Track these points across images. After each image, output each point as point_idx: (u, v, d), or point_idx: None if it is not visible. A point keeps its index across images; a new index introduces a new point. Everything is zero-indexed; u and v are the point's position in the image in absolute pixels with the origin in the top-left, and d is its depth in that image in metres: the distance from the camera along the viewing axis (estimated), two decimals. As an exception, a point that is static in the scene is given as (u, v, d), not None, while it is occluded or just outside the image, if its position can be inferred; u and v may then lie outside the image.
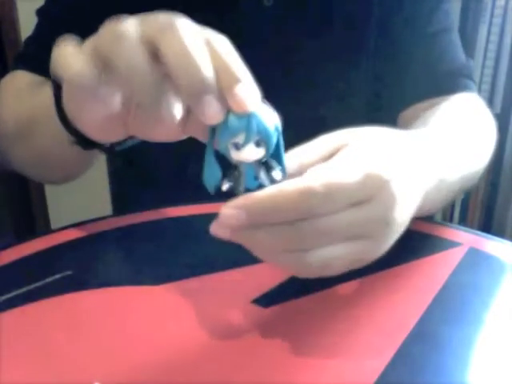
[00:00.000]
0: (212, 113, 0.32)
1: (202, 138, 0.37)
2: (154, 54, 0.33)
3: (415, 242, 0.52)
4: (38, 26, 0.69)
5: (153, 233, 0.53)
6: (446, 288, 0.44)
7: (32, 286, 0.44)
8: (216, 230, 0.34)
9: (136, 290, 0.44)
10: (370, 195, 0.35)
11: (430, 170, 0.44)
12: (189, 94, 0.33)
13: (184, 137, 0.40)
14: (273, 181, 0.34)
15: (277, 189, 0.33)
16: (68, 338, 0.39)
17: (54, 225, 1.60)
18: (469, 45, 1.48)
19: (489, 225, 1.60)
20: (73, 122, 0.43)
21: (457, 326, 0.40)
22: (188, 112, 0.38)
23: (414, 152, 0.42)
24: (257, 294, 0.42)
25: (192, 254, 0.49)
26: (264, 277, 0.44)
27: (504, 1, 1.44)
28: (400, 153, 0.39)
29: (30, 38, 0.70)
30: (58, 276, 0.45)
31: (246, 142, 0.32)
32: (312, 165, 0.36)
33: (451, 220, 1.59)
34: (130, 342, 0.38)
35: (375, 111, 0.72)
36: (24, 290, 0.43)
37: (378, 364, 0.35)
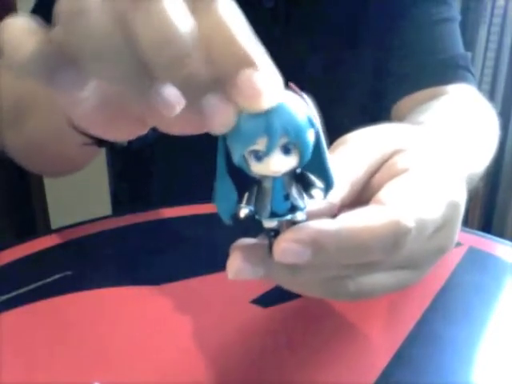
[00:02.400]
0: (218, 121, 0.22)
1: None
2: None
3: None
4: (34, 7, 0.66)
5: (153, 233, 0.53)
6: (446, 288, 0.44)
7: (32, 286, 0.44)
8: (243, 268, 0.26)
9: (136, 290, 0.44)
10: (444, 225, 0.29)
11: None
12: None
13: None
14: (311, 200, 0.24)
15: (359, 222, 0.25)
16: (68, 337, 0.39)
17: (54, 225, 1.61)
18: (469, 45, 1.48)
19: (489, 225, 1.60)
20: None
21: (457, 326, 0.40)
22: None
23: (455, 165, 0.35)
24: (256, 294, 0.42)
25: (192, 254, 0.49)
26: (264, 277, 0.44)
27: (504, 1, 1.44)
28: (453, 170, 0.33)
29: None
30: (57, 276, 0.45)
31: (270, 149, 0.22)
32: (360, 182, 0.30)
33: (451, 220, 1.59)
34: (130, 342, 0.38)
35: (372, 101, 0.72)
36: (24, 290, 0.43)
37: (378, 364, 0.35)
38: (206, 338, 0.35)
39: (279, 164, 0.23)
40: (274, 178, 0.24)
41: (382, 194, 0.27)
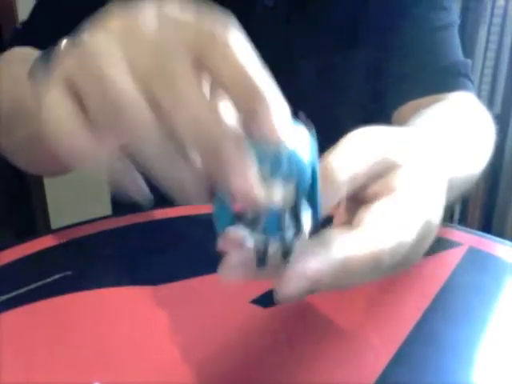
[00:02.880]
0: (240, 172, 0.24)
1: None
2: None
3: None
4: (32, 14, 0.66)
5: (153, 233, 0.53)
6: (446, 288, 0.44)
7: (32, 286, 0.44)
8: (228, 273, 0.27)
9: (136, 290, 0.44)
10: (416, 244, 0.32)
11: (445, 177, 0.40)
12: (205, 151, 0.25)
13: None
14: (298, 231, 0.26)
15: (345, 254, 0.28)
16: (68, 337, 0.39)
17: (54, 225, 1.61)
18: (469, 45, 1.48)
19: (489, 225, 1.60)
20: None
21: (457, 326, 0.40)
22: None
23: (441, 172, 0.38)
24: (256, 294, 0.42)
25: (192, 253, 0.49)
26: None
27: (504, 1, 1.44)
28: (436, 187, 0.35)
29: (22, 24, 0.67)
30: (57, 276, 0.45)
31: (272, 175, 0.24)
32: (360, 181, 0.31)
33: (451, 220, 1.59)
34: (130, 342, 0.38)
35: (372, 101, 0.72)
36: (24, 289, 0.43)
37: (378, 364, 0.35)
38: (206, 337, 0.35)
39: (277, 195, 0.24)
40: (270, 208, 0.24)
41: (367, 218, 0.30)
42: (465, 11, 1.47)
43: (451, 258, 0.48)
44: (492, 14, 1.46)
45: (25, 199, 1.61)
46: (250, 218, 0.26)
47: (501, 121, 1.48)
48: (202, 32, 0.25)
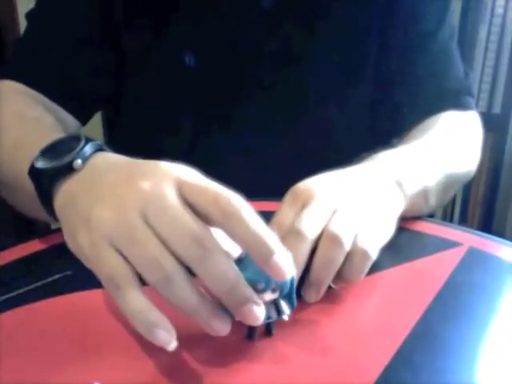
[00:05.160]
0: (254, 318, 0.35)
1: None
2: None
3: (415, 242, 0.52)
4: (28, 30, 0.67)
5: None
6: (446, 288, 0.44)
7: (32, 286, 0.44)
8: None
9: (136, 290, 0.44)
10: None
11: (406, 179, 0.50)
12: (232, 305, 0.34)
13: None
14: (280, 317, 0.37)
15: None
16: (68, 337, 0.39)
17: (54, 225, 1.60)
18: (469, 45, 1.48)
19: (489, 225, 1.60)
20: None
21: (457, 326, 0.40)
22: None
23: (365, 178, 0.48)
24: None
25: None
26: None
27: (504, 1, 1.44)
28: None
29: (19, 42, 0.68)
30: (57, 276, 0.45)
31: (264, 290, 0.35)
32: None
33: (451, 220, 1.59)
34: (130, 342, 0.38)
35: (376, 130, 0.72)
36: (24, 289, 0.43)
37: (378, 364, 0.35)
38: (206, 337, 0.35)
39: (267, 297, 0.36)
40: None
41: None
42: (465, 11, 1.47)
43: (451, 258, 0.48)
44: (492, 14, 1.46)
45: (25, 199, 1.60)
46: None
47: (501, 121, 1.48)
48: (224, 211, 0.34)
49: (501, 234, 1.58)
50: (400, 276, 0.46)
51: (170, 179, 0.36)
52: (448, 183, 0.58)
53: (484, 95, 1.49)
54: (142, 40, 0.66)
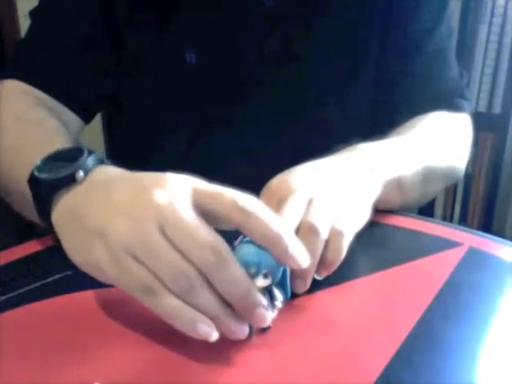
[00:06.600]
0: (263, 321, 0.36)
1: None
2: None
3: (415, 242, 0.52)
4: (31, 29, 0.67)
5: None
6: (445, 288, 0.44)
7: (32, 286, 0.44)
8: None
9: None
10: None
11: (379, 171, 0.51)
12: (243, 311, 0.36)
13: None
14: (273, 306, 0.38)
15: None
16: (68, 338, 0.39)
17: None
18: (469, 45, 1.48)
19: (489, 225, 1.60)
20: None
21: (457, 326, 0.40)
22: None
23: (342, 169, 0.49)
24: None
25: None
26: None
27: (504, 1, 1.44)
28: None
29: (21, 41, 0.67)
30: (57, 276, 0.45)
31: (255, 275, 0.37)
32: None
33: (451, 220, 1.59)
34: (130, 342, 0.38)
35: (375, 129, 0.72)
36: (24, 289, 0.43)
37: (378, 364, 0.35)
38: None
39: (258, 282, 0.37)
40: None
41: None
42: (465, 11, 1.47)
43: (451, 258, 0.48)
44: (492, 14, 1.46)
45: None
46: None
47: (501, 121, 1.48)
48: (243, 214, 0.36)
49: (501, 233, 1.58)
50: (400, 276, 0.46)
51: (184, 190, 0.37)
52: (426, 177, 0.58)
53: (484, 95, 1.49)
54: (143, 38, 0.66)
